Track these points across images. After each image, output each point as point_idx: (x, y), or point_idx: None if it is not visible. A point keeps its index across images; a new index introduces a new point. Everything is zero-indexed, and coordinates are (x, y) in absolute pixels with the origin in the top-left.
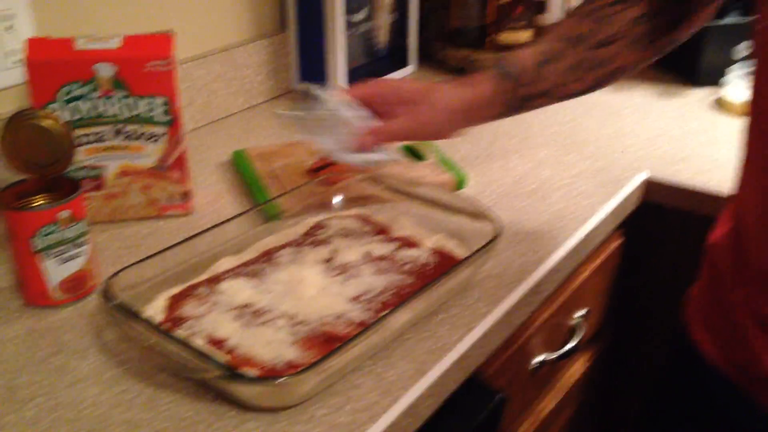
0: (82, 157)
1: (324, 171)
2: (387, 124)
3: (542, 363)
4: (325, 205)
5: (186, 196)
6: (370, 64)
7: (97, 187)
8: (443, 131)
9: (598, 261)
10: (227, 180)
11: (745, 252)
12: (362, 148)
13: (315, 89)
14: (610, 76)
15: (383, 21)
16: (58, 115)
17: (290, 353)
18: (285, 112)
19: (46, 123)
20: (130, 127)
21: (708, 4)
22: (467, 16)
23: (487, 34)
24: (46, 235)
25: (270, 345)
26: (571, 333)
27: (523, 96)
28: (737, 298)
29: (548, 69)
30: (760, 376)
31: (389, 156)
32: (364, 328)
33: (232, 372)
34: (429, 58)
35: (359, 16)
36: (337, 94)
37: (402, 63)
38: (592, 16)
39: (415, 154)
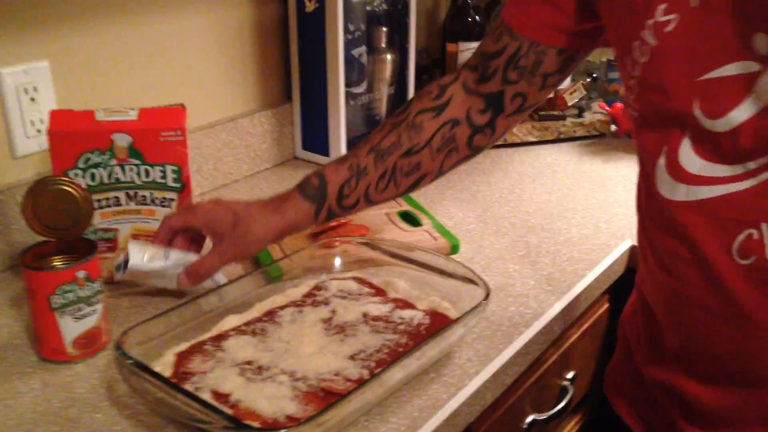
0: (98, 220)
1: (324, 235)
2: (199, 262)
3: (533, 423)
4: (324, 268)
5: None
6: (370, 133)
7: (111, 249)
8: (254, 253)
9: (585, 325)
10: None
11: (651, 329)
12: (186, 287)
13: (132, 246)
14: (422, 179)
15: (382, 93)
16: (78, 181)
17: (290, 407)
18: (120, 275)
19: (67, 188)
20: (143, 193)
21: (510, 115)
22: None
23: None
24: (63, 293)
25: (271, 399)
26: (560, 395)
27: (333, 210)
28: (648, 371)
29: (356, 184)
30: None
31: (219, 279)
32: (360, 384)
33: (238, 423)
34: None
35: (359, 88)
36: (152, 249)
37: None
38: (401, 126)
39: (411, 220)
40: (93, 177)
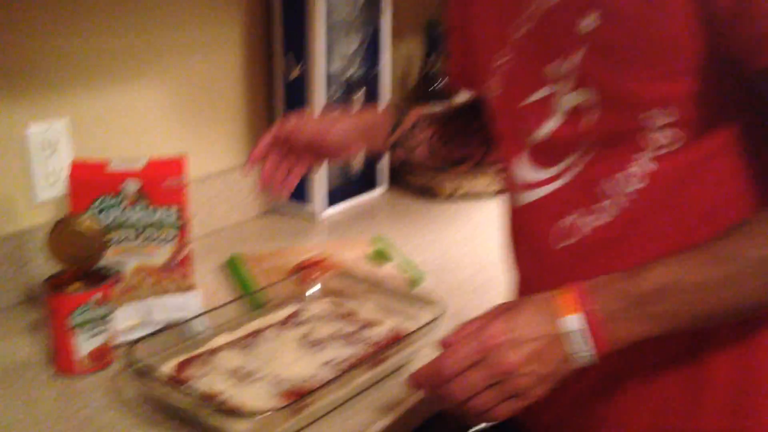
0: (107, 255)
1: (304, 270)
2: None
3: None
4: (303, 296)
5: (190, 288)
6: (347, 185)
7: (118, 281)
8: (344, 145)
9: None
10: (224, 278)
11: None
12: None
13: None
14: (468, 159)
15: None
16: (94, 219)
17: (272, 403)
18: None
19: (85, 226)
20: (148, 232)
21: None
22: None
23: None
24: (81, 313)
25: (256, 397)
26: None
27: (403, 135)
28: None
29: (426, 125)
30: None
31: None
32: (328, 381)
33: (225, 409)
34: (397, 181)
35: None
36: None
37: (373, 185)
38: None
39: (383, 258)
40: (105, 218)
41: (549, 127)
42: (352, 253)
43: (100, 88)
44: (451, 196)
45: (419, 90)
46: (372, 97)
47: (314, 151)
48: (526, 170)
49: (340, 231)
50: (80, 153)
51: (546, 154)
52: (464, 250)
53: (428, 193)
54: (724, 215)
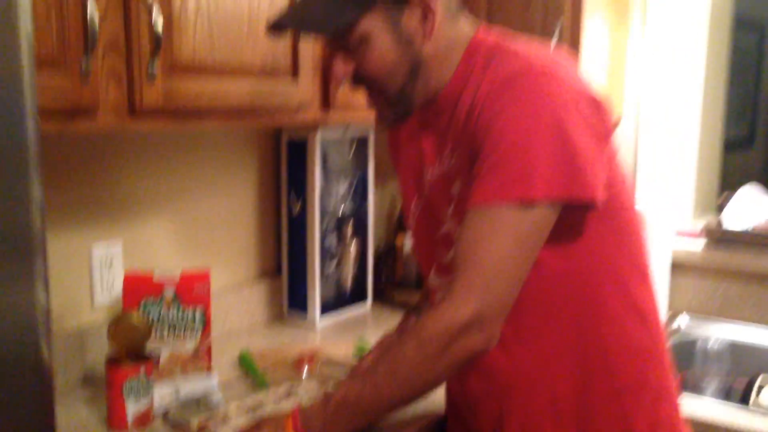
0: (150, 343)
1: (300, 360)
2: None
3: None
4: (297, 377)
5: (210, 372)
6: (338, 299)
7: (157, 363)
8: None
9: None
10: (236, 367)
11: None
12: None
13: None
14: None
15: (349, 269)
16: (142, 316)
17: None
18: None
19: (136, 320)
20: (179, 326)
21: None
22: (409, 269)
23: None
24: (131, 382)
25: None
26: None
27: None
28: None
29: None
30: None
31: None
32: None
33: None
34: (382, 297)
35: (332, 265)
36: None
37: (362, 299)
38: None
39: (363, 353)
40: (150, 315)
41: (453, 253)
42: (339, 350)
43: (146, 218)
44: None
45: (401, 223)
46: (360, 228)
47: None
48: (434, 280)
49: (331, 335)
50: (129, 266)
51: (449, 270)
52: None
53: (408, 307)
54: None
